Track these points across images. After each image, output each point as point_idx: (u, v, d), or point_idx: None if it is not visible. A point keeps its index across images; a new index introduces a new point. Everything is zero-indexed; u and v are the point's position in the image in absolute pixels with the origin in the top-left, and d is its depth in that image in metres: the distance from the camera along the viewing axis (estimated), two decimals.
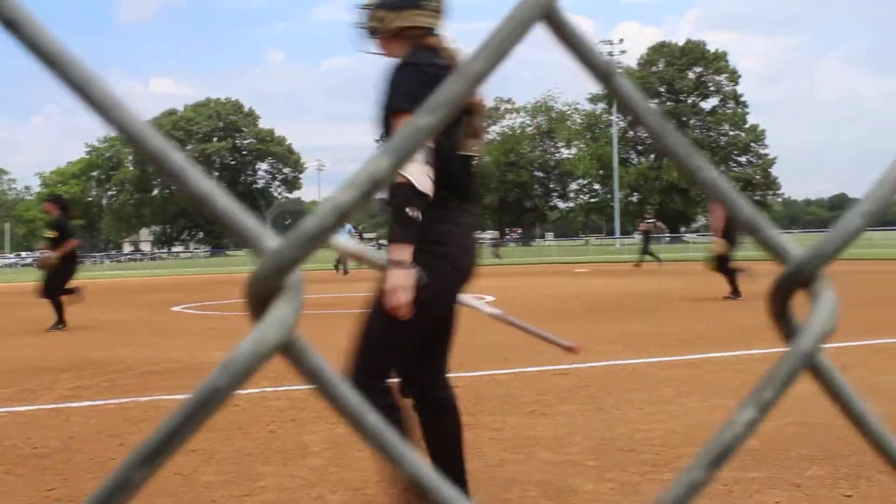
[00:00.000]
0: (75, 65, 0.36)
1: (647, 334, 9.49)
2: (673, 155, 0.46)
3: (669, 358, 7.63)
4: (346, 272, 31.26)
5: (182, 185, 0.38)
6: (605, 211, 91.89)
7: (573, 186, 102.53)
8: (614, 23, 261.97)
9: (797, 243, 0.50)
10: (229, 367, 0.38)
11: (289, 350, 0.40)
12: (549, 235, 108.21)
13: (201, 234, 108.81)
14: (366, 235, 32.75)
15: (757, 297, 14.79)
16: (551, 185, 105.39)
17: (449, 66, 3.06)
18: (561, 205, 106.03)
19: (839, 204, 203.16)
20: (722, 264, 15.07)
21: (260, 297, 0.39)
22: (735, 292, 14.89)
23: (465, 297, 3.77)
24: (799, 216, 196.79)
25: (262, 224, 0.40)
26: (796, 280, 0.49)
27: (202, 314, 14.68)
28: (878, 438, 0.53)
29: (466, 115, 3.10)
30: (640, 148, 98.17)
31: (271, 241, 0.39)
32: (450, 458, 3.30)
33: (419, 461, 0.42)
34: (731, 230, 14.88)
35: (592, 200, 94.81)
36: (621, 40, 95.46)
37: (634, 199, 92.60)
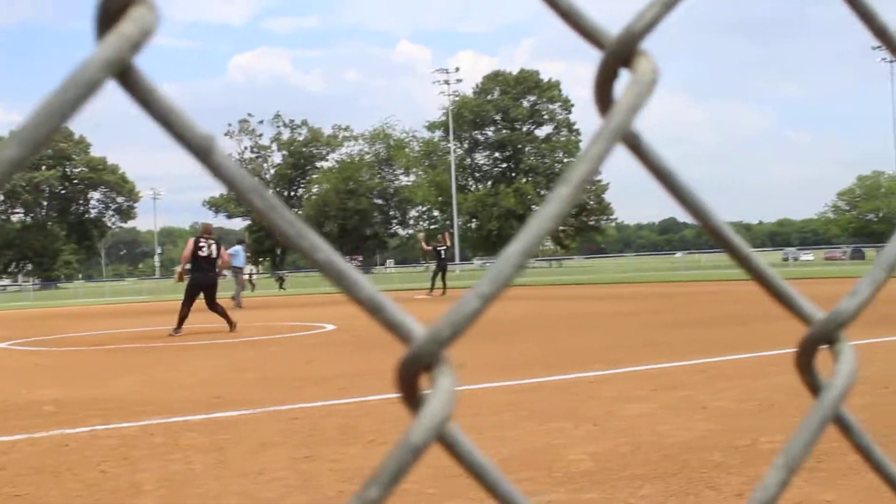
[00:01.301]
0: None
1: (486, 359, 9.58)
2: (282, 233, 0.44)
3: (508, 382, 7.71)
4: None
5: None
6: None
7: (413, 213, 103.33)
8: (452, 52, 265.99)
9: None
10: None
11: None
12: (391, 262, 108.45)
13: (30, 266, 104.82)
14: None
15: (593, 318, 15.17)
16: (391, 213, 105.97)
17: None
18: (401, 231, 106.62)
19: (669, 227, 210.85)
20: (210, 302, 15.73)
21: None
22: (231, 324, 15.56)
23: None
24: (631, 240, 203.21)
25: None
26: (417, 363, 0.48)
27: (29, 350, 14.08)
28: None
29: None
30: (477, 175, 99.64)
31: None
32: None
33: None
34: (200, 268, 15.65)
35: (432, 227, 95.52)
36: (457, 69, 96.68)
37: (473, 224, 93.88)
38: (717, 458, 4.65)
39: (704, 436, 5.21)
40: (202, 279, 15.53)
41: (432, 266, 31.65)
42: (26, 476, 4.93)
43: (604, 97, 0.53)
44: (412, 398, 0.47)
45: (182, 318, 15.39)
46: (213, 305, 15.64)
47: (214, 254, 15.69)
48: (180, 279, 15.66)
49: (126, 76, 0.38)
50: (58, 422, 6.62)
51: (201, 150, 0.41)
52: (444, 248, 31.12)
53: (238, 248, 28.02)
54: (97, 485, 4.74)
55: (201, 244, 15.54)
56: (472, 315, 0.47)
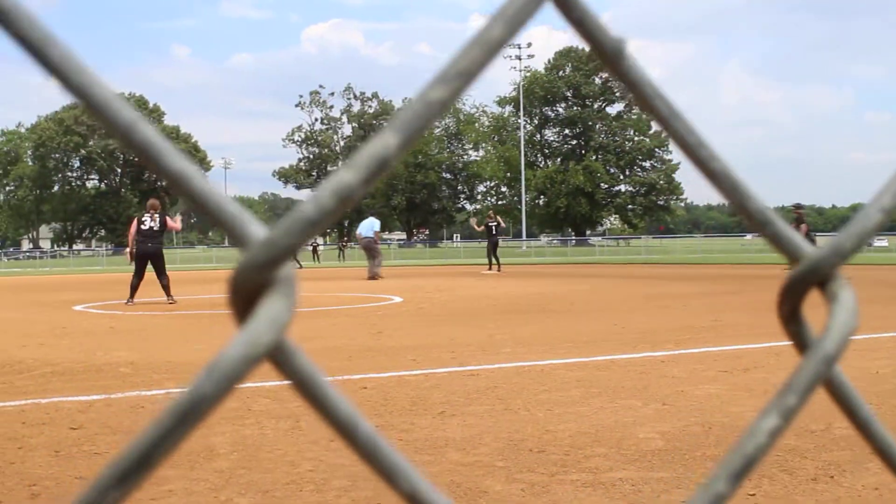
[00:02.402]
0: (30, 22, 0.32)
1: (555, 336, 9.57)
2: (682, 143, 0.43)
3: (577, 359, 7.69)
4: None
5: (153, 163, 0.33)
6: (512, 213, 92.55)
7: (481, 188, 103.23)
8: (525, 26, 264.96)
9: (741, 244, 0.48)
10: (216, 373, 0.34)
11: (277, 352, 0.36)
12: (457, 237, 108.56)
13: (103, 232, 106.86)
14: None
15: (662, 298, 15.04)
16: (459, 187, 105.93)
17: None
18: (468, 206, 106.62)
19: None
20: (158, 272, 16.42)
21: (247, 292, 0.35)
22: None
23: None
24: (701, 221, 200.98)
25: (243, 210, 0.36)
26: (811, 279, 0.46)
27: (104, 314, 14.37)
28: (883, 444, 0.51)
29: None
30: (546, 151, 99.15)
31: (258, 228, 0.35)
32: None
33: (416, 475, 0.39)
34: (142, 240, 16.28)
35: (500, 203, 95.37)
36: (529, 44, 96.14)
37: (541, 201, 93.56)
38: (791, 441, 4.60)
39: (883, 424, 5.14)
40: (144, 249, 16.28)
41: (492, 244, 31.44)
42: (104, 435, 5.04)
43: None
44: (794, 316, 0.47)
45: (132, 289, 16.31)
46: (160, 276, 16.36)
47: (157, 226, 16.43)
48: (132, 259, 16.41)
49: None
50: (133, 384, 6.76)
51: (613, 54, 0.41)
52: (495, 223, 30.74)
53: (372, 220, 27.54)
54: None
55: (144, 218, 16.46)
56: (874, 228, 0.47)
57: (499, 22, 0.37)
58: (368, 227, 27.04)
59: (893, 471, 0.52)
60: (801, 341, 0.48)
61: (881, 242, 74.59)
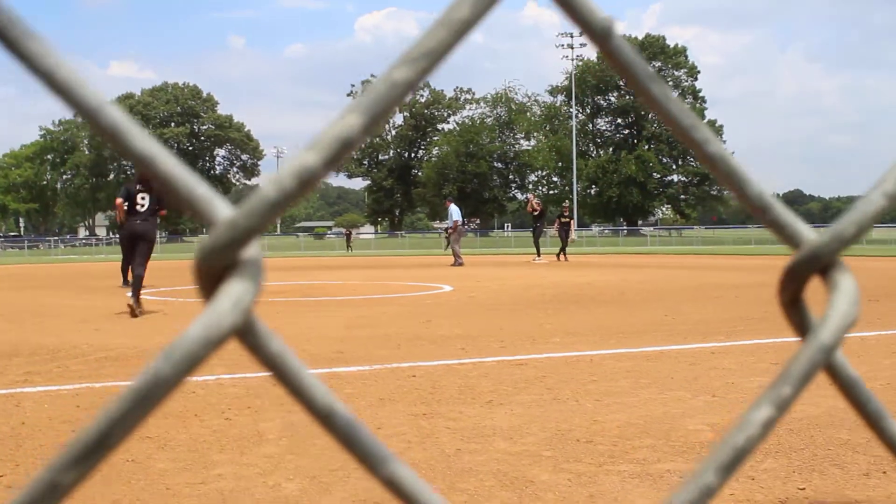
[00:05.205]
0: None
1: (604, 326, 9.52)
2: (675, 125, 0.41)
3: (627, 350, 7.65)
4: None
5: (121, 145, 0.32)
6: (563, 202, 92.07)
7: (532, 178, 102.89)
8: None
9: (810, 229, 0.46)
10: (175, 355, 0.32)
11: (246, 335, 0.35)
12: (508, 226, 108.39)
13: (157, 220, 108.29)
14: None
15: (714, 289, 14.89)
16: (510, 176, 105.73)
17: None
18: (520, 196, 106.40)
19: (795, 199, 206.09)
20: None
21: (212, 274, 0.34)
22: None
23: None
24: None
25: (213, 191, 0.34)
26: (812, 267, 0.45)
27: (158, 300, 14.54)
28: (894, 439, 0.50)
29: None
30: (598, 141, 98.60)
31: (225, 209, 0.34)
32: None
33: (395, 461, 0.38)
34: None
35: (551, 192, 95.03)
36: (582, 33, 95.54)
37: (593, 191, 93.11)
38: (843, 435, 4.54)
39: (830, 412, 5.07)
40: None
41: (553, 232, 31.60)
42: (155, 420, 5.09)
43: None
44: (795, 304, 0.46)
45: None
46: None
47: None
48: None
49: None
50: None
51: (601, 34, 0.40)
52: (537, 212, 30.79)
53: (453, 207, 28.02)
54: (222, 431, 4.88)
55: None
56: (877, 214, 0.45)
57: (466, 2, 0.35)
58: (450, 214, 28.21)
59: None
60: (803, 329, 0.46)
61: None
